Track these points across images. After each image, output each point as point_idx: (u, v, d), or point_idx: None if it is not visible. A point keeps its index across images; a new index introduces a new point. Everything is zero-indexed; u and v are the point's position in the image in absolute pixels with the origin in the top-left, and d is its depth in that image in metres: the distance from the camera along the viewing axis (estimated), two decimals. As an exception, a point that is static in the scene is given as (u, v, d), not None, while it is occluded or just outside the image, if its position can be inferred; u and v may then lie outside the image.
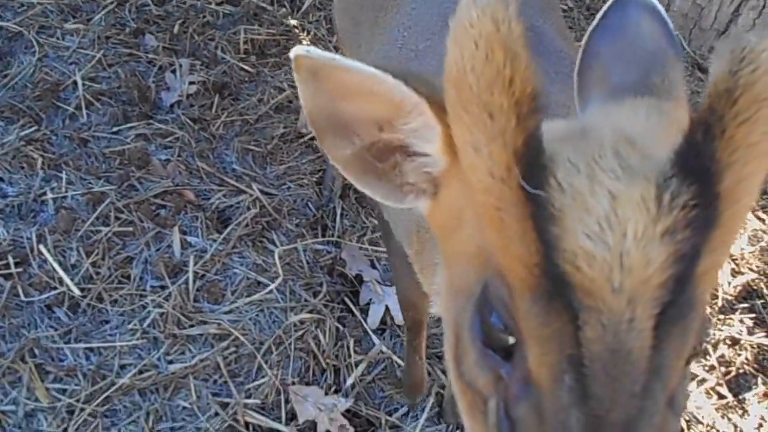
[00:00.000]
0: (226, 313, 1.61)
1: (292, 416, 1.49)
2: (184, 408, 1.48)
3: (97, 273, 1.62)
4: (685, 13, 2.48)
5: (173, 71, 2.03)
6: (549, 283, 0.42)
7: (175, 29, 2.13)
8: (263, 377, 1.52)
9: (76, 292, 1.58)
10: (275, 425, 1.46)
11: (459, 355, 0.54)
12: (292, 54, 0.57)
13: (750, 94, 0.42)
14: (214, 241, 1.71)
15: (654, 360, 0.43)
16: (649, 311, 0.42)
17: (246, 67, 2.10)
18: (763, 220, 2.00)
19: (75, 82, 1.94)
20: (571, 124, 0.57)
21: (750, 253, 1.90)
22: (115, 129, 1.88)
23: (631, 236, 0.40)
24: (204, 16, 2.19)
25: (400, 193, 0.63)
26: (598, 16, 0.71)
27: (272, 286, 1.64)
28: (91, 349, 1.53)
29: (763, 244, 1.93)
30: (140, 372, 1.50)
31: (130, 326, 1.56)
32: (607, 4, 0.72)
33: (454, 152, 0.55)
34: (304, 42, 2.19)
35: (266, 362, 1.54)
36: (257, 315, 1.61)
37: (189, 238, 1.71)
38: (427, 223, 0.75)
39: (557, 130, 0.50)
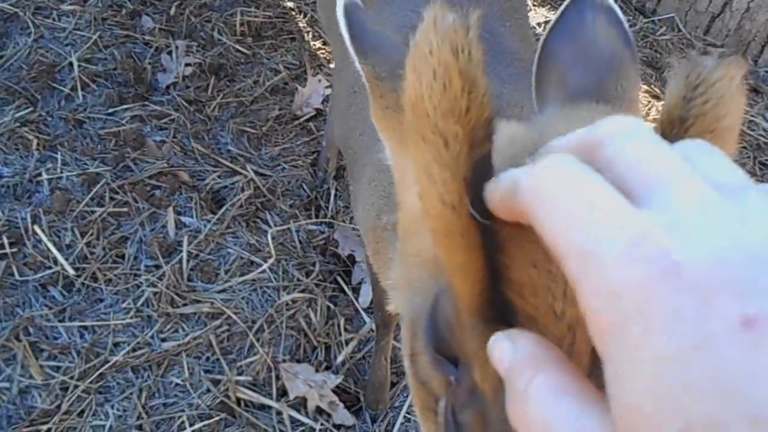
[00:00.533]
0: (219, 292, 1.59)
1: (283, 393, 1.48)
2: (177, 385, 1.47)
3: (92, 253, 1.61)
4: (680, -4, 2.44)
5: (169, 53, 2.00)
6: (493, 308, 0.42)
7: (172, 11, 2.11)
8: (255, 355, 1.51)
9: (71, 271, 1.57)
10: (266, 401, 1.46)
11: (414, 353, 0.55)
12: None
13: (701, 125, 0.41)
14: (208, 221, 1.69)
15: (592, 380, 0.42)
16: (587, 335, 0.41)
17: (242, 49, 2.07)
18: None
19: (71, 64, 1.91)
20: (526, 137, 0.53)
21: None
22: (110, 110, 1.86)
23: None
24: (200, -1, 2.16)
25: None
26: (555, 17, 0.71)
27: (265, 266, 1.63)
28: (85, 328, 1.52)
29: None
30: (134, 350, 1.50)
31: (124, 305, 1.55)
32: (564, 5, 0.72)
33: (388, 135, 0.58)
34: (300, 24, 2.17)
35: (258, 340, 1.53)
36: (250, 294, 1.60)
37: (183, 219, 1.70)
38: (383, 222, 0.75)
39: (510, 143, 0.49)
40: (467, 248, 0.40)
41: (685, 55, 2.33)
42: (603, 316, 0.24)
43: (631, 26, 2.38)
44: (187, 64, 1.96)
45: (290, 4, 2.22)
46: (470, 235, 0.40)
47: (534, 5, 2.43)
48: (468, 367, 0.47)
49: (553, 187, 0.28)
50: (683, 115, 0.40)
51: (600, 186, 0.27)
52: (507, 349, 0.35)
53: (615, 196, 0.26)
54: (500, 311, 0.42)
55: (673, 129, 0.41)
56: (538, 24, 2.37)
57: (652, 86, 2.21)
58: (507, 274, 0.41)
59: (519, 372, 0.31)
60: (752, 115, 2.20)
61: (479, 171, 0.39)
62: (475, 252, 0.40)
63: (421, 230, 0.53)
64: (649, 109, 2.15)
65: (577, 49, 0.70)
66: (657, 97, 2.20)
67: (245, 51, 2.06)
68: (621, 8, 2.45)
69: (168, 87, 1.93)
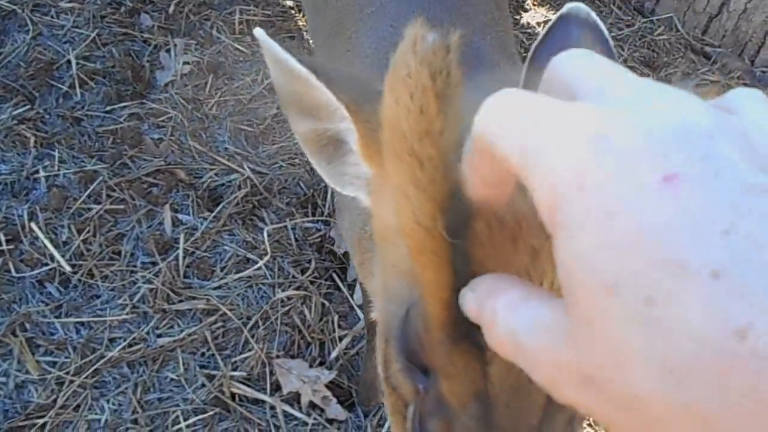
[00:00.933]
0: (214, 288, 1.60)
1: (276, 387, 1.49)
2: (172, 380, 1.48)
3: (88, 249, 1.62)
4: (678, -4, 2.44)
5: (168, 51, 2.01)
6: (461, 325, 0.43)
7: (171, 9, 2.11)
8: (249, 350, 1.52)
9: (67, 268, 1.58)
10: (260, 396, 1.47)
11: (387, 359, 0.56)
12: (255, 33, 0.60)
13: None
14: (205, 219, 1.70)
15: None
16: None
17: (241, 48, 2.08)
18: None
19: (69, 61, 1.92)
20: None
21: None
22: (108, 108, 1.87)
23: (546, 287, 0.42)
24: (199, -3, 2.17)
25: (343, 181, 0.67)
26: (543, 32, 0.73)
27: (261, 263, 1.64)
28: (81, 323, 1.53)
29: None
30: (129, 345, 1.51)
31: (120, 301, 1.56)
32: (552, 21, 0.74)
33: (375, 162, 0.59)
34: (299, 23, 2.17)
35: (253, 336, 1.54)
36: (245, 291, 1.61)
37: (180, 216, 1.71)
38: (368, 233, 0.75)
39: None
40: (439, 266, 0.41)
41: (683, 55, 2.34)
42: (547, 199, 0.26)
43: (628, 26, 2.40)
44: (185, 63, 1.97)
45: (289, 3, 2.22)
46: (443, 253, 0.41)
47: (534, 5, 2.43)
48: (436, 378, 0.48)
49: (496, 113, 0.30)
50: None
51: (536, 96, 0.29)
52: (470, 298, 0.36)
53: (552, 101, 0.28)
54: (468, 328, 0.42)
55: None
56: (538, 23, 2.38)
57: (649, 86, 2.22)
58: None
59: (485, 307, 0.34)
60: (748, 115, 2.21)
61: (454, 192, 0.39)
62: (446, 270, 0.41)
63: (398, 241, 0.53)
64: (646, 109, 2.15)
65: None
66: (653, 97, 2.20)
67: (244, 49, 2.07)
68: (620, 7, 2.46)
69: (166, 85, 1.94)
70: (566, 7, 0.77)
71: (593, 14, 0.76)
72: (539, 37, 0.74)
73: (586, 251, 0.25)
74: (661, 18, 2.45)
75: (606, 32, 0.74)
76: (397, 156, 0.40)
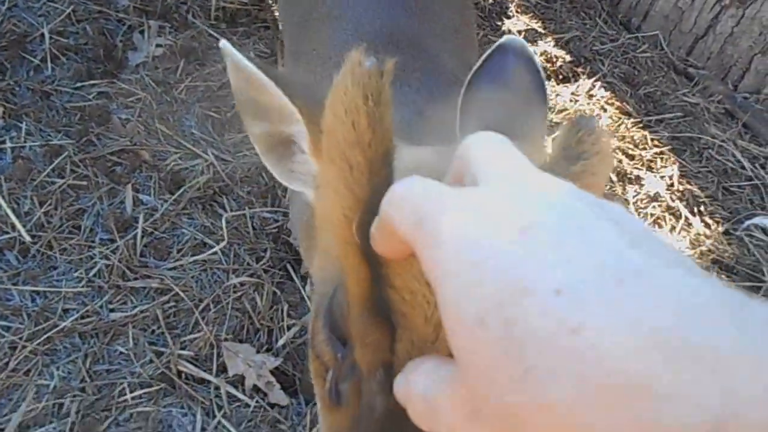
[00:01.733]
0: (169, 269, 1.86)
1: (223, 369, 1.75)
2: (121, 353, 1.73)
3: (49, 222, 1.88)
4: (666, 15, 2.73)
5: (141, 32, 2.28)
6: (376, 305, 0.58)
7: (148, -10, 2.38)
8: (199, 332, 1.78)
9: (27, 238, 1.84)
10: (206, 376, 1.72)
11: (315, 331, 0.75)
12: (221, 45, 0.80)
13: (575, 170, 0.58)
14: (166, 201, 1.96)
15: None
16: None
17: (215, 34, 2.35)
18: (708, 225, 2.26)
19: (42, 35, 2.18)
20: (432, 162, 0.74)
21: (688, 256, 2.16)
22: (78, 84, 2.13)
23: None
24: (177, -21, 2.44)
25: (291, 177, 0.87)
26: (482, 57, 0.95)
27: (217, 248, 1.90)
28: (37, 292, 1.78)
29: (703, 248, 2.19)
30: (82, 317, 1.76)
31: (76, 274, 1.82)
32: (490, 49, 0.96)
33: (320, 161, 0.71)
34: (276, 14, 2.44)
35: (203, 318, 1.80)
36: (200, 274, 1.87)
37: (141, 196, 1.97)
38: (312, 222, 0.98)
39: (416, 167, 0.63)
40: (359, 255, 0.53)
41: (665, 74, 2.62)
42: (430, 259, 0.38)
43: (612, 41, 2.69)
44: (158, 45, 2.24)
45: (268, -8, 2.50)
46: (362, 246, 0.52)
47: (517, 12, 2.71)
48: (352, 348, 0.65)
49: (394, 197, 0.43)
50: (564, 160, 0.58)
51: (430, 184, 0.41)
52: (401, 382, 0.47)
53: (444, 188, 0.40)
54: (382, 306, 0.59)
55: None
56: (519, 31, 2.66)
57: (624, 103, 2.50)
58: (389, 281, 0.57)
59: (409, 381, 0.46)
60: (723, 140, 2.49)
61: (377, 193, 0.50)
62: (365, 258, 0.53)
63: (329, 230, 0.68)
64: (619, 126, 2.44)
65: (497, 89, 0.95)
66: (628, 114, 2.48)
67: (218, 36, 2.34)
68: (606, 21, 2.75)
69: (138, 66, 2.21)
70: (503, 39, 1.01)
71: (528, 47, 1.01)
72: (477, 64, 0.97)
73: (460, 295, 0.34)
74: (646, 35, 2.73)
75: (539, 65, 0.98)
76: (331, 159, 0.55)
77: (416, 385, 0.43)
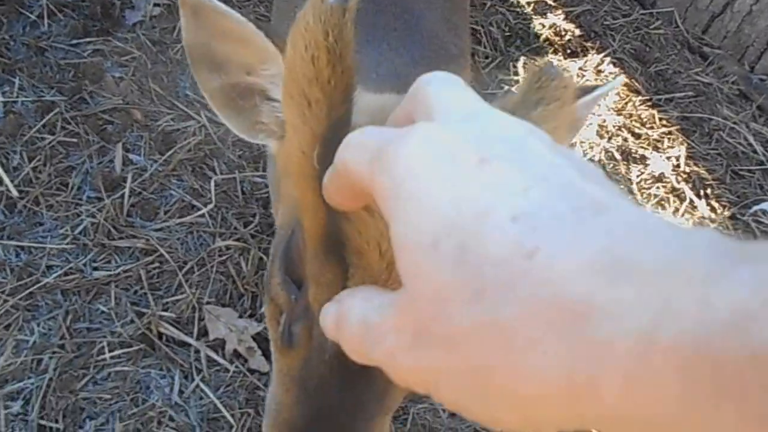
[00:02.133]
0: (156, 230, 1.85)
1: (204, 333, 1.73)
2: (103, 312, 1.73)
3: (37, 178, 1.87)
4: (682, -9, 2.65)
5: (141, -9, 2.25)
6: (331, 243, 0.59)
7: (150, -52, 2.35)
8: (182, 294, 1.77)
9: (15, 192, 1.83)
10: (186, 339, 1.71)
11: (271, 275, 0.76)
12: None
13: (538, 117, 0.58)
14: (155, 161, 1.94)
15: None
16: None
17: (216, -5, 2.31)
18: (714, 209, 2.20)
19: (40, -10, 2.16)
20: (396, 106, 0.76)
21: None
22: (74, 41, 2.11)
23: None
24: (180, -62, 2.40)
25: (254, 131, 0.85)
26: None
27: (204, 210, 1.88)
28: (21, 248, 1.78)
29: (707, 232, 2.13)
30: (66, 274, 1.75)
31: (62, 231, 1.81)
32: None
33: None
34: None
35: (187, 281, 1.78)
36: (186, 236, 1.85)
37: (131, 156, 1.95)
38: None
39: (381, 110, 0.65)
40: (315, 189, 0.55)
41: (678, 52, 2.55)
42: (385, 189, 0.38)
43: (624, 16, 2.61)
44: (155, 4, 2.21)
45: (273, -46, 2.45)
46: (318, 178, 0.52)
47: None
48: (306, 290, 0.67)
49: (351, 140, 0.43)
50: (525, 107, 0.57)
51: (384, 130, 0.42)
52: (332, 306, 0.47)
53: (395, 130, 0.40)
54: (337, 246, 0.60)
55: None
56: (527, 3, 2.59)
57: (633, 80, 2.43)
58: (344, 215, 0.58)
59: (343, 304, 0.45)
60: (735, 122, 2.41)
61: (335, 129, 0.54)
62: (320, 196, 0.52)
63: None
64: (626, 103, 2.37)
65: None
66: (637, 92, 2.42)
67: (219, -3, 2.30)
68: (620, -4, 2.65)
69: (134, 25, 2.18)
70: None
71: None
72: None
73: (412, 218, 0.35)
74: (661, 11, 2.65)
75: None
76: (290, 95, 0.55)
77: (352, 310, 0.43)
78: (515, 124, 0.39)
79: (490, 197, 0.34)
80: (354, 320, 0.42)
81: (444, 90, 0.43)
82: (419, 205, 0.35)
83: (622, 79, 0.79)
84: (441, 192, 0.35)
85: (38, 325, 1.69)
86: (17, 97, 1.98)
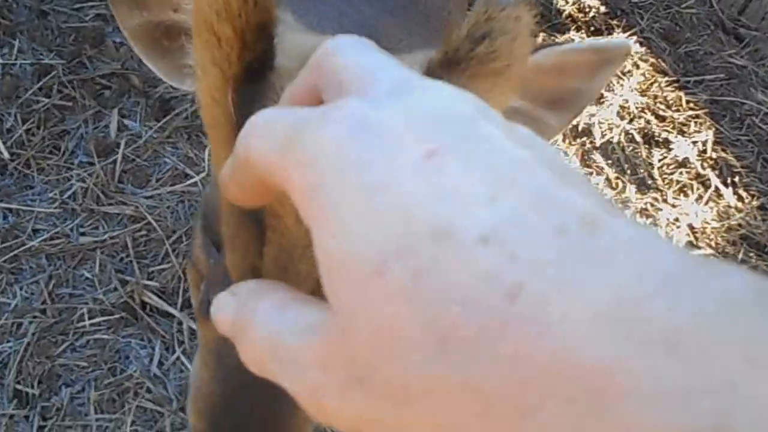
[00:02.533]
0: (146, 198, 1.80)
1: (188, 304, 1.68)
2: (86, 278, 1.68)
3: (30, 140, 1.83)
4: (719, -31, 2.50)
5: (149, -43, 2.20)
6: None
7: None
8: (168, 263, 1.71)
9: (6, 154, 1.80)
10: (169, 309, 1.66)
11: (194, 237, 0.71)
12: None
13: (479, 61, 0.50)
14: (151, 128, 1.89)
15: (318, 283, 0.56)
16: None
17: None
18: (741, 198, 2.06)
19: (45, -47, 2.14)
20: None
21: (714, 228, 1.98)
22: (77, 5, 2.07)
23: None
24: None
25: (181, 74, 0.77)
26: None
27: (197, 179, 1.82)
28: (9, 210, 1.74)
29: (732, 222, 2.00)
30: (51, 238, 1.72)
31: (51, 195, 1.77)
32: None
33: None
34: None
35: (174, 250, 1.73)
36: (176, 205, 1.80)
37: (127, 122, 1.90)
38: None
39: (306, 50, 0.61)
40: (229, 139, 0.49)
41: (710, 32, 2.41)
42: (302, 182, 0.29)
43: (656, -7, 2.47)
44: (162, -31, 2.16)
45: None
46: (230, 129, 0.49)
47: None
48: (224, 253, 0.60)
49: (255, 123, 0.34)
50: (464, 52, 0.50)
51: (295, 110, 0.32)
52: (229, 302, 0.36)
53: (308, 110, 0.31)
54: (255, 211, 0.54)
55: (453, 62, 0.50)
56: None
57: (660, 60, 2.30)
58: None
59: (245, 309, 0.34)
60: (769, 108, 2.27)
61: (249, 71, 0.48)
62: (232, 145, 0.49)
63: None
64: (651, 84, 2.24)
65: None
66: (664, 72, 2.29)
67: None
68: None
69: (140, -10, 2.13)
70: None
71: None
72: None
73: (348, 235, 0.26)
74: (695, -11, 2.52)
75: None
76: (198, 33, 0.49)
77: (257, 317, 0.32)
78: (458, 99, 0.29)
79: (449, 209, 0.25)
80: (259, 333, 0.31)
81: (359, 56, 0.33)
82: (355, 216, 0.26)
83: (628, 43, 0.70)
84: (382, 198, 0.26)
85: (21, 288, 1.65)
86: (16, 59, 1.95)
